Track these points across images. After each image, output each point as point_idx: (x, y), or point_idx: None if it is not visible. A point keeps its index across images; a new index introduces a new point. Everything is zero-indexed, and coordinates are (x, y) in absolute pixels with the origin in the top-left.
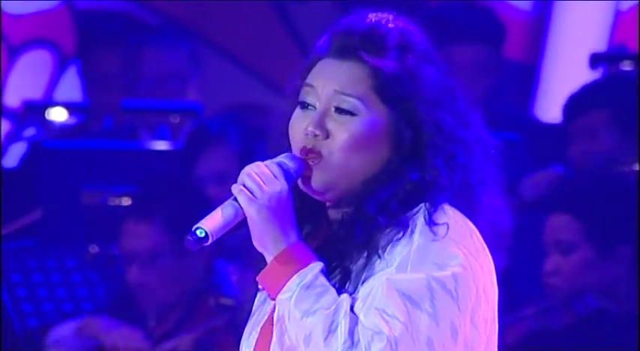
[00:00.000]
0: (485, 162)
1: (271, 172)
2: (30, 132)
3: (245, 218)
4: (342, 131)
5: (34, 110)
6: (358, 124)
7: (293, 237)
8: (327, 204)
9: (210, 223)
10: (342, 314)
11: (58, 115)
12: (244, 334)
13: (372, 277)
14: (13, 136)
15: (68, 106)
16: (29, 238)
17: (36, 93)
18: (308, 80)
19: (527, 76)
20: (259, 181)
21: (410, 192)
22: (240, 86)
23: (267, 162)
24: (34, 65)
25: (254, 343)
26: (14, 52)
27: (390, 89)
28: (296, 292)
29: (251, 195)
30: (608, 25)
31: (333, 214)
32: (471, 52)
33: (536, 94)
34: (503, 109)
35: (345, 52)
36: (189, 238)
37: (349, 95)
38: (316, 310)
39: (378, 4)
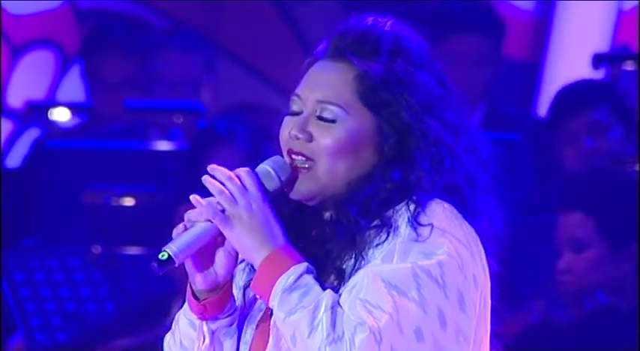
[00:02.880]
0: (477, 168)
1: (242, 184)
2: (33, 132)
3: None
4: (324, 137)
5: (37, 110)
6: (340, 130)
7: (274, 242)
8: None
9: (176, 244)
10: (322, 309)
11: (60, 115)
12: (242, 332)
13: (359, 271)
14: (16, 137)
15: (71, 106)
16: (31, 238)
17: (38, 93)
18: (296, 89)
19: (529, 75)
20: (229, 198)
21: (391, 191)
22: (244, 86)
23: (242, 171)
24: (36, 65)
25: (250, 341)
26: (17, 53)
27: (373, 94)
28: (279, 296)
29: (222, 215)
30: (610, 25)
31: (325, 217)
32: (470, 42)
33: (539, 93)
34: (506, 109)
35: (336, 54)
36: (152, 263)
37: (330, 103)
38: (297, 309)
39: (382, 3)
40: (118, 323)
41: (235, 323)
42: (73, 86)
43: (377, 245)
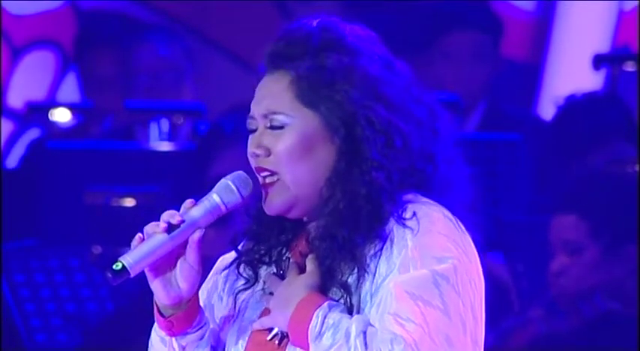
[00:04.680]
0: (433, 142)
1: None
2: (33, 132)
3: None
4: (277, 145)
5: (38, 111)
6: (289, 135)
7: (293, 302)
8: (304, 220)
9: (132, 256)
10: (353, 337)
11: (61, 115)
12: (229, 340)
13: (380, 288)
14: (17, 137)
15: (71, 106)
16: (31, 238)
17: (39, 94)
18: (250, 111)
19: (530, 76)
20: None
21: (370, 199)
22: (244, 86)
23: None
24: (37, 66)
25: None
26: (17, 53)
27: (310, 92)
28: (313, 347)
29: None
30: (611, 25)
31: (312, 231)
32: (468, 39)
33: (540, 94)
34: (506, 109)
35: (272, 64)
36: (107, 273)
37: (274, 113)
38: (331, 348)
39: (382, 3)
40: (118, 323)
41: (206, 336)
42: (74, 87)
43: (377, 260)
